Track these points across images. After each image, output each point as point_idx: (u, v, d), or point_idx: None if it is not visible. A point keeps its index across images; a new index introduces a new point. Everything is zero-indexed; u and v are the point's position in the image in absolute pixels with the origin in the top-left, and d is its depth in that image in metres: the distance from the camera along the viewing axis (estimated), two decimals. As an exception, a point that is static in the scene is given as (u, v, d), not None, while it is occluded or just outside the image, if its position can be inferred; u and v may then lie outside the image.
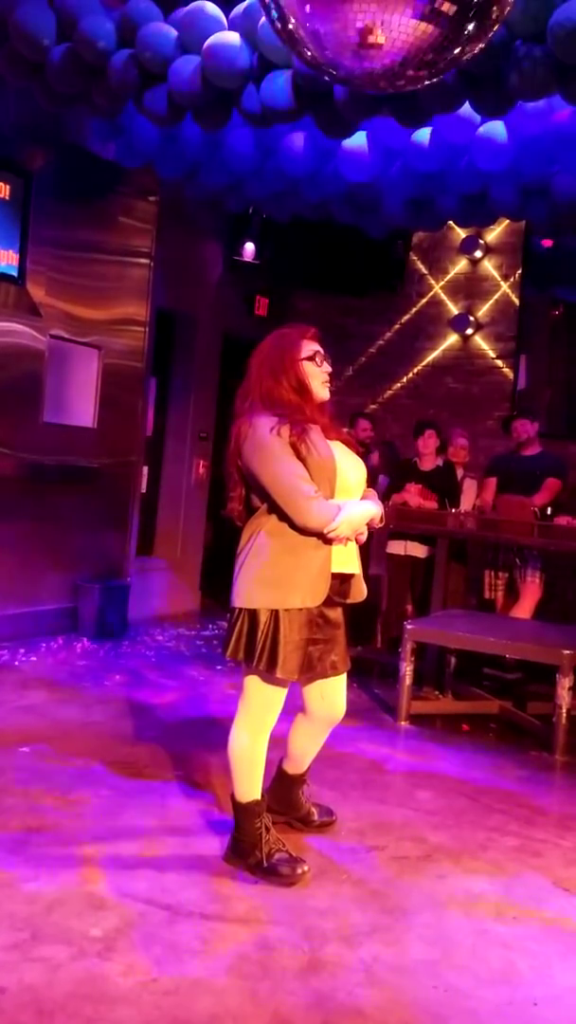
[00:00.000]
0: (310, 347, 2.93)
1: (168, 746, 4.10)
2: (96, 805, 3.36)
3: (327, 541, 2.80)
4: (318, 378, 2.92)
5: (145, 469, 7.30)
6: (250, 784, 2.93)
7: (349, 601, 2.99)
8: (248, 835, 2.92)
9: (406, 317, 8.33)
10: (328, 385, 2.95)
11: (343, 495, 2.86)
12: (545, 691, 4.85)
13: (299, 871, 2.89)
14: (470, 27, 3.04)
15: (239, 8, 4.09)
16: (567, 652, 4.51)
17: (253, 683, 2.89)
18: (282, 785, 3.27)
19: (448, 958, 2.51)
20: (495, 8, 3.08)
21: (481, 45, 3.22)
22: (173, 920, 2.58)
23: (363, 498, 2.94)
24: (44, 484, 6.00)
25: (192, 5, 4.21)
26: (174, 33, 4.24)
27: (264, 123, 4.34)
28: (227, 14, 4.17)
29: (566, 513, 5.72)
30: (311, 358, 2.91)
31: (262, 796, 2.96)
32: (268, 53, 3.98)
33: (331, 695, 3.08)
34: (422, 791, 3.84)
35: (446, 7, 2.77)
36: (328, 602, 2.89)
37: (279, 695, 2.91)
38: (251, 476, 2.83)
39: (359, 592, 3.00)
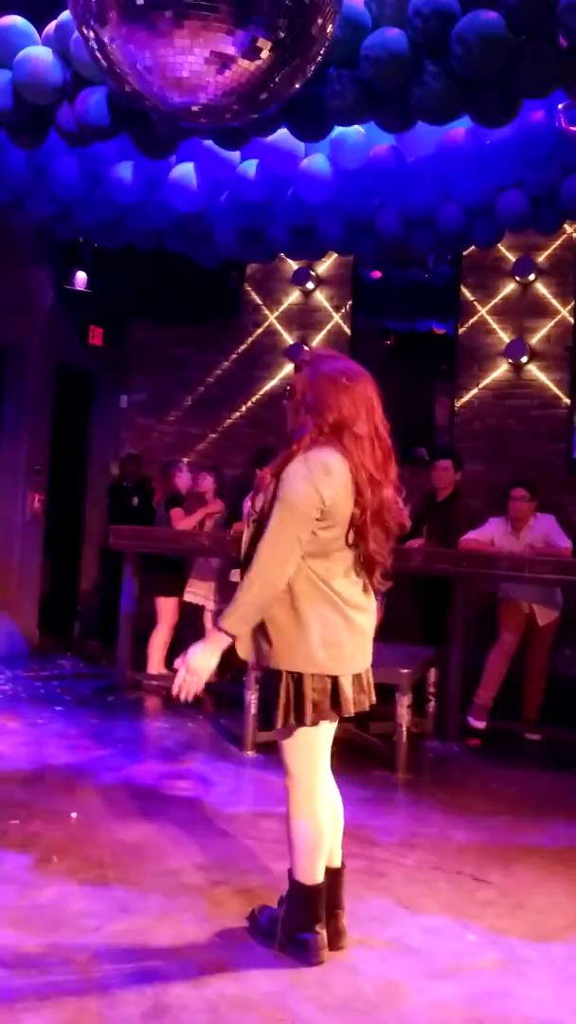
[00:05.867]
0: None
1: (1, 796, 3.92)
2: None
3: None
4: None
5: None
6: (317, 866, 2.68)
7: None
8: (300, 919, 2.66)
9: (243, 347, 8.39)
10: None
11: None
12: (386, 711, 4.92)
13: None
14: (290, 64, 3.13)
15: (51, 26, 4.01)
16: (405, 671, 4.62)
17: (290, 750, 2.69)
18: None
19: (294, 988, 2.49)
20: (315, 46, 3.18)
21: (300, 82, 3.32)
22: None
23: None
24: None
25: (1, 21, 4.11)
26: None
27: (81, 142, 4.25)
28: (40, 31, 4.08)
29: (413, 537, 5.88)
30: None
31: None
32: (82, 70, 3.91)
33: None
34: (265, 821, 3.79)
35: (262, 43, 2.84)
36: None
37: (318, 747, 2.72)
38: None
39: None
